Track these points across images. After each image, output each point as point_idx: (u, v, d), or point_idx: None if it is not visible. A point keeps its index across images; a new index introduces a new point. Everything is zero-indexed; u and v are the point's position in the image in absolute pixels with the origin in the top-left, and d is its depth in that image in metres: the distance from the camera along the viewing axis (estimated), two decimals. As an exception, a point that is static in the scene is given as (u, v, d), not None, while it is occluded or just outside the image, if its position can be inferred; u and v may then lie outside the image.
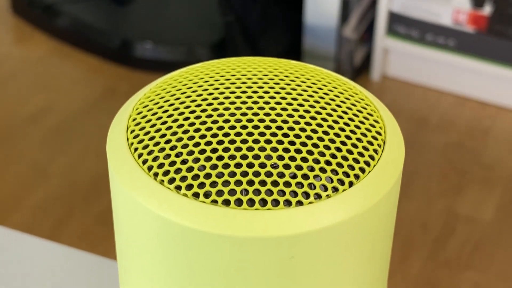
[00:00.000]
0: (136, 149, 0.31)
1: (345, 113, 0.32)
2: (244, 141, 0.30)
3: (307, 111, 0.31)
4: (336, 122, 0.31)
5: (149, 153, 0.30)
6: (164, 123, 0.31)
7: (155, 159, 0.30)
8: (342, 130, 0.31)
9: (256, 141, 0.30)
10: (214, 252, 0.28)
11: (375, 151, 0.31)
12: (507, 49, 1.83)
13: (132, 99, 0.34)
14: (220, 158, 0.29)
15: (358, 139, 0.31)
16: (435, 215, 1.58)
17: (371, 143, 0.31)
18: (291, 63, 0.35)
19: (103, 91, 1.93)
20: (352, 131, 0.31)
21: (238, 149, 0.30)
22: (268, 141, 0.30)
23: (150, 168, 0.30)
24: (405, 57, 1.94)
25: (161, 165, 0.30)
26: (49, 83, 1.95)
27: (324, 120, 0.31)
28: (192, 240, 0.28)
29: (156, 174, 0.30)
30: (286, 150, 0.30)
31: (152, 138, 0.31)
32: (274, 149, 0.30)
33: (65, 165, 1.69)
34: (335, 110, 0.32)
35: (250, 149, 0.30)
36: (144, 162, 0.30)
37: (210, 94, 0.32)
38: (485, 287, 1.43)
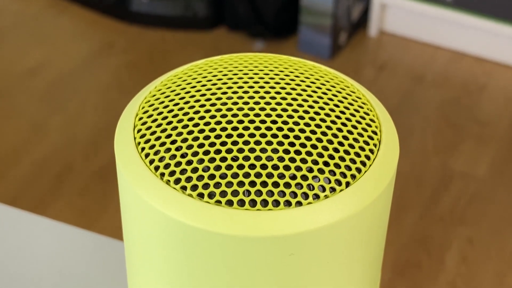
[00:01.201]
0: (143, 148, 0.32)
1: (343, 113, 0.33)
2: (246, 143, 0.31)
3: (306, 112, 0.33)
4: (334, 122, 0.33)
5: (156, 153, 0.32)
6: (170, 123, 0.33)
7: (161, 159, 0.32)
8: (340, 130, 0.32)
9: (257, 143, 0.31)
10: (218, 251, 0.30)
11: (371, 151, 0.33)
12: (505, 5, 1.83)
13: (138, 96, 0.35)
14: (223, 159, 0.31)
15: (355, 139, 0.33)
16: (430, 171, 1.60)
17: (367, 143, 0.33)
18: (290, 60, 0.37)
19: (100, 46, 1.93)
20: (349, 131, 0.33)
21: (241, 150, 0.31)
22: (269, 143, 0.31)
23: (156, 168, 0.32)
24: (403, 13, 1.94)
25: (167, 166, 0.31)
26: (45, 38, 1.95)
27: (323, 120, 0.33)
28: (196, 238, 0.30)
29: (162, 174, 0.31)
30: (286, 152, 0.31)
31: (158, 138, 0.32)
32: (275, 151, 0.31)
33: (64, 120, 1.70)
34: (333, 110, 0.33)
35: (252, 150, 0.31)
36: (151, 162, 0.32)
37: (214, 94, 0.34)
38: (478, 241, 1.46)
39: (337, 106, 0.34)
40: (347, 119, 0.33)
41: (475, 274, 1.39)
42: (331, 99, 0.34)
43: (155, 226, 0.31)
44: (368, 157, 0.32)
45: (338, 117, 0.33)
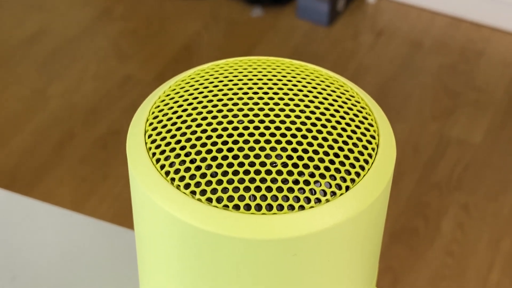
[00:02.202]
0: (154, 154, 0.34)
1: (343, 118, 0.35)
2: (251, 149, 0.33)
3: (308, 118, 0.35)
4: (334, 128, 0.34)
5: (166, 158, 0.34)
6: (179, 129, 0.34)
7: (171, 164, 0.33)
8: (340, 135, 0.34)
9: (262, 149, 0.33)
10: (225, 252, 0.32)
11: (369, 155, 0.35)
12: (503, -28, 1.83)
13: (147, 101, 0.37)
14: (230, 165, 0.33)
15: (354, 144, 0.34)
16: (427, 138, 1.62)
17: (365, 147, 0.35)
18: (293, 64, 0.38)
19: (99, 13, 1.94)
20: (349, 136, 0.34)
21: (246, 156, 0.33)
22: (273, 148, 0.33)
23: (167, 173, 0.33)
24: (401, -21, 1.94)
25: (177, 171, 0.33)
26: (44, 4, 1.95)
27: (324, 126, 0.34)
28: (205, 241, 0.32)
29: (173, 179, 0.33)
30: (290, 157, 0.33)
31: (168, 144, 0.34)
32: (279, 156, 0.33)
33: (64, 87, 1.71)
34: (333, 116, 0.35)
35: (257, 156, 0.33)
36: (162, 167, 0.34)
37: (220, 100, 0.35)
38: (473, 207, 1.49)
39: (337, 111, 0.35)
40: (347, 124, 0.35)
41: (471, 240, 1.42)
42: (331, 105, 0.36)
43: (166, 228, 0.33)
44: (366, 161, 0.34)
45: (338, 122, 0.35)
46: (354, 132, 0.35)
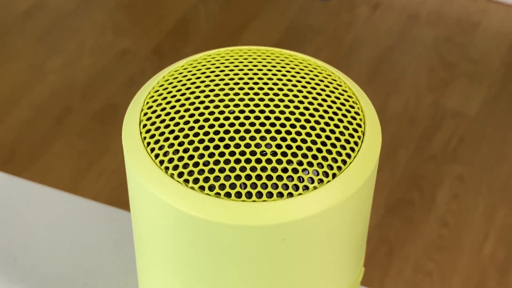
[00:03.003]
0: (148, 143, 0.36)
1: (330, 107, 0.37)
2: (242, 138, 0.35)
3: (297, 107, 0.36)
4: (322, 117, 0.36)
5: (160, 148, 0.35)
6: (172, 119, 0.36)
7: (165, 154, 0.35)
8: (327, 124, 0.36)
9: (252, 138, 0.35)
10: (217, 239, 0.34)
11: (355, 143, 0.36)
12: None
13: (142, 91, 0.38)
14: (222, 154, 0.34)
15: (341, 133, 0.36)
16: (422, 110, 1.63)
17: (352, 136, 0.36)
18: (282, 54, 0.40)
19: (95, -14, 1.94)
20: (336, 125, 0.36)
21: (237, 145, 0.34)
22: (263, 138, 0.35)
23: (161, 162, 0.35)
24: (397, -49, 1.93)
25: (171, 160, 0.35)
26: (40, -21, 1.95)
27: (312, 115, 0.36)
28: (198, 227, 0.34)
29: (167, 168, 0.35)
30: (279, 146, 0.35)
31: (162, 134, 0.36)
32: (269, 145, 0.35)
33: (61, 62, 1.72)
34: (321, 105, 0.36)
35: (247, 145, 0.34)
36: (156, 156, 0.35)
37: (212, 90, 0.37)
38: (469, 179, 1.50)
39: (325, 100, 0.37)
40: (334, 113, 0.36)
41: (466, 211, 1.44)
42: (319, 94, 0.37)
43: (160, 215, 0.35)
44: (352, 149, 0.36)
45: (326, 111, 0.36)
46: (341, 121, 0.36)
